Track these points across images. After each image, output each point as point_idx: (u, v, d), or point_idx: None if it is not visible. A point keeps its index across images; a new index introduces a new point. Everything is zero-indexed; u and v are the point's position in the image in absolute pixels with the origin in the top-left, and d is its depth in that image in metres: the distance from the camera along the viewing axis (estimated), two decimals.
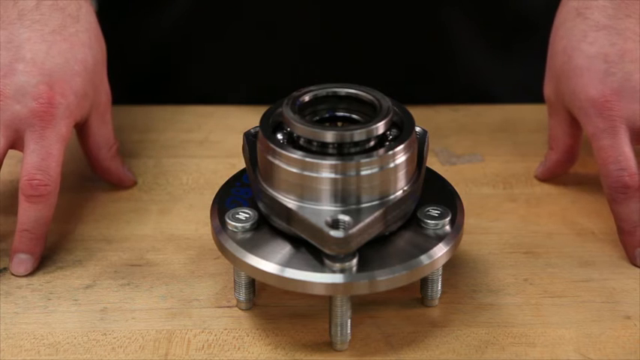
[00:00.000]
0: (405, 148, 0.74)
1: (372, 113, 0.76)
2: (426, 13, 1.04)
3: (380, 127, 0.74)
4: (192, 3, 1.06)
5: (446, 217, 0.76)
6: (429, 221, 0.76)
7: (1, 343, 0.76)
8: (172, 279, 0.82)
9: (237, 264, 0.75)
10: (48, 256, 0.84)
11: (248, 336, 0.76)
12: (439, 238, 0.75)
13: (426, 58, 1.07)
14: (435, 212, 0.76)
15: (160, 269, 0.83)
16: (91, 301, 0.80)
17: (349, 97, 0.77)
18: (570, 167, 0.92)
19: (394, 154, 0.74)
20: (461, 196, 0.79)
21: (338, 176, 0.73)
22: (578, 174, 0.93)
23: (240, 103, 1.05)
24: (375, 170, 0.73)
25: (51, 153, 0.82)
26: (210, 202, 0.79)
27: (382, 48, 1.06)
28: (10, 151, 0.84)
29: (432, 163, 0.92)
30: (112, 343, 0.76)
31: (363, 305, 0.78)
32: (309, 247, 0.73)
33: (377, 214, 0.73)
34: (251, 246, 0.74)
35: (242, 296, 0.78)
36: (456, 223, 0.76)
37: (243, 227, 0.75)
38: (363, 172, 0.73)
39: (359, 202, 0.73)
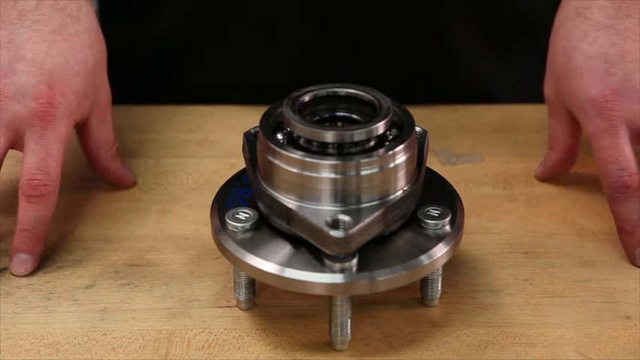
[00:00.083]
0: (405, 148, 0.74)
1: (372, 113, 0.76)
2: (426, 13, 1.05)
3: (380, 127, 0.74)
4: (192, 3, 1.06)
5: (446, 217, 0.76)
6: (429, 221, 0.76)
7: (1, 343, 0.76)
8: (172, 279, 0.82)
9: (237, 264, 0.75)
10: (48, 256, 0.84)
11: (248, 336, 0.76)
12: (439, 238, 0.75)
13: (426, 58, 1.07)
14: (435, 212, 0.76)
15: (160, 269, 0.83)
16: (91, 301, 0.80)
17: (349, 97, 0.77)
18: (570, 167, 0.92)
19: (394, 154, 0.74)
20: (461, 196, 0.79)
21: (338, 176, 0.73)
22: (578, 174, 0.93)
23: (240, 103, 1.05)
24: (375, 170, 0.73)
25: (51, 153, 0.82)
26: (210, 202, 0.79)
27: (382, 48, 1.06)
28: (10, 151, 0.84)
29: (432, 163, 0.92)
30: (112, 343, 0.76)
31: (363, 305, 0.78)
32: (309, 247, 0.73)
33: (377, 214, 0.73)
34: (251, 246, 0.74)
35: (242, 296, 0.78)
36: (456, 223, 0.76)
37: (243, 227, 0.75)
38: (363, 172, 0.73)
39: (359, 202, 0.73)
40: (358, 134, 0.73)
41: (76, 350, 0.75)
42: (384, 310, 0.78)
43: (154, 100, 1.07)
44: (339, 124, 0.78)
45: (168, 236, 0.87)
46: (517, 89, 1.10)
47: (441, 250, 0.74)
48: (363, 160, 0.73)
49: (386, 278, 0.72)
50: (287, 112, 0.75)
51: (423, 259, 0.74)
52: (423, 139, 0.78)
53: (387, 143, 0.75)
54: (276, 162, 0.74)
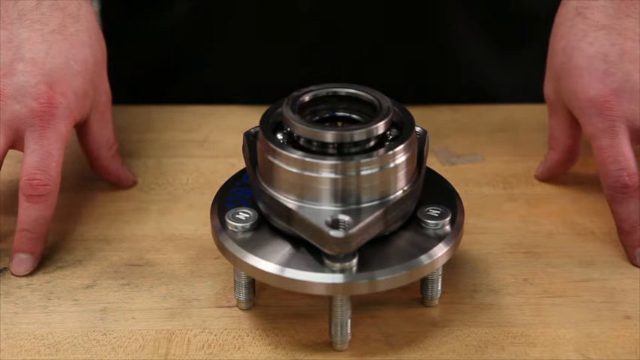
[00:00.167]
0: (405, 148, 0.74)
1: (372, 113, 0.76)
2: (426, 14, 1.04)
3: (380, 127, 0.74)
4: (192, 3, 1.06)
5: (446, 217, 0.76)
6: (429, 221, 0.76)
7: (1, 343, 0.76)
8: (172, 279, 0.82)
9: (237, 264, 0.75)
10: (48, 256, 0.84)
11: (248, 336, 0.76)
12: (439, 238, 0.75)
13: (426, 58, 1.07)
14: (435, 212, 0.76)
15: (160, 269, 0.83)
16: (91, 301, 0.80)
17: (349, 97, 0.77)
18: (570, 167, 0.92)
19: (394, 154, 0.74)
20: (461, 196, 0.79)
21: (338, 176, 0.73)
22: (578, 174, 0.93)
23: (240, 103, 1.05)
24: (375, 170, 0.73)
25: (51, 153, 0.82)
26: (210, 202, 0.79)
27: (382, 48, 1.05)
28: (10, 151, 0.84)
29: (432, 163, 0.92)
30: (112, 343, 0.76)
31: (363, 305, 0.78)
32: (309, 247, 0.73)
33: (377, 214, 0.73)
34: (251, 246, 0.74)
35: (242, 296, 0.78)
36: (456, 223, 0.76)
37: (243, 227, 0.75)
38: (363, 172, 0.73)
39: (359, 202, 0.73)
40: (358, 134, 0.73)
41: (76, 350, 0.75)
42: (384, 310, 0.78)
43: (154, 100, 1.07)
44: (339, 124, 0.78)
45: (168, 236, 0.87)
46: (517, 89, 1.10)
47: (441, 250, 0.74)
48: (363, 160, 0.73)
49: (386, 278, 0.72)
50: (287, 112, 0.75)
51: (423, 259, 0.74)
52: (423, 139, 0.78)
53: (387, 143, 0.75)
54: (276, 162, 0.74)
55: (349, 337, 0.75)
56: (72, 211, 0.89)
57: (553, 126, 0.91)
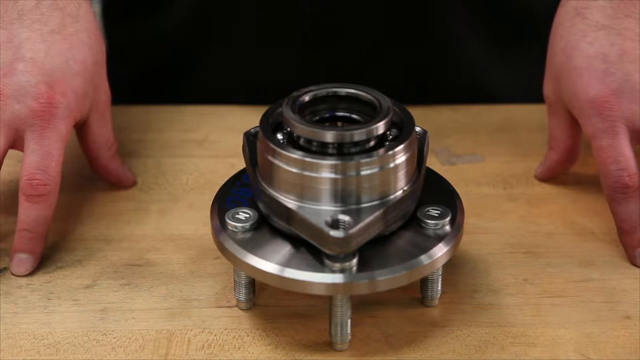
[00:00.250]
0: (405, 148, 0.74)
1: (372, 113, 0.76)
2: (426, 14, 1.04)
3: (380, 127, 0.74)
4: (192, 4, 1.06)
5: (446, 217, 0.76)
6: (429, 221, 0.76)
7: (1, 343, 0.76)
8: (172, 279, 0.82)
9: (237, 264, 0.75)
10: (48, 256, 0.84)
11: (248, 336, 0.76)
12: (439, 238, 0.75)
13: (426, 58, 1.07)
14: (435, 212, 0.76)
15: (160, 269, 0.83)
16: (91, 301, 0.80)
17: (349, 97, 0.77)
18: (570, 167, 0.92)
19: (394, 154, 0.74)
20: (461, 196, 0.79)
21: (338, 176, 0.73)
22: (578, 174, 0.93)
23: (240, 103, 1.05)
24: (375, 170, 0.73)
25: (51, 153, 0.82)
26: (210, 202, 0.79)
27: (382, 48, 1.05)
28: (10, 151, 0.84)
29: (432, 163, 0.92)
30: (112, 343, 0.76)
31: (363, 305, 0.78)
32: (309, 247, 0.73)
33: (377, 214, 0.73)
34: (251, 246, 0.74)
35: (242, 296, 0.78)
36: (456, 223, 0.76)
37: (243, 227, 0.75)
38: (363, 172, 0.73)
39: (359, 202, 0.73)
40: (358, 134, 0.73)
41: (76, 350, 0.75)
42: (384, 310, 0.78)
43: (153, 100, 1.07)
44: (339, 124, 0.78)
45: (168, 236, 0.87)
46: (517, 89, 1.10)
47: (441, 250, 0.74)
48: (363, 160, 0.73)
49: (386, 278, 0.72)
50: (287, 112, 0.75)
51: (423, 259, 0.74)
52: (423, 139, 0.78)
53: (387, 143, 0.75)
54: (276, 162, 0.74)
55: (349, 337, 0.75)
56: (72, 211, 0.89)
57: (553, 126, 0.91)
